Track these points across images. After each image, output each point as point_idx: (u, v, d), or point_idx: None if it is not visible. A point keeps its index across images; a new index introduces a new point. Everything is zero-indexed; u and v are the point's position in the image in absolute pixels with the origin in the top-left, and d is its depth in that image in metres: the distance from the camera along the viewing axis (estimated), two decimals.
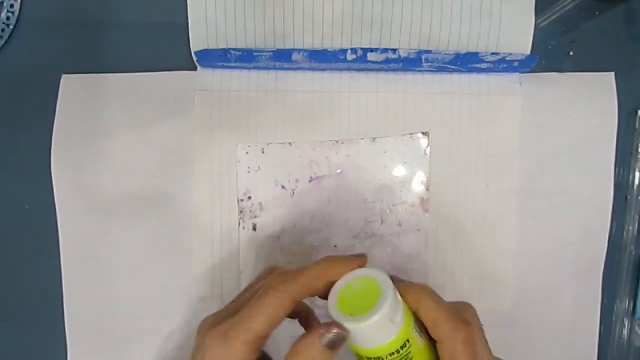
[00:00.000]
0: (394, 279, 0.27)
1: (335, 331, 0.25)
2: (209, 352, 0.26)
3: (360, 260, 0.28)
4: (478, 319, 0.28)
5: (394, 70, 0.38)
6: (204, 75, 0.38)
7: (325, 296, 0.27)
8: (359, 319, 0.26)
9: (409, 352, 0.27)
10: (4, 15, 0.38)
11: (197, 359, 0.26)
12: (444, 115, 0.38)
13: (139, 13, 0.39)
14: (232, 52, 0.36)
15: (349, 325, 0.26)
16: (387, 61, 0.36)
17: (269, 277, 0.28)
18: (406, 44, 0.38)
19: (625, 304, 0.39)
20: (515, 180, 0.38)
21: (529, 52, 0.38)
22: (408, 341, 0.27)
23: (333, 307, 0.27)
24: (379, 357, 0.27)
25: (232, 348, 0.25)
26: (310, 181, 0.38)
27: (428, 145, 0.38)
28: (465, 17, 0.38)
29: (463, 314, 0.27)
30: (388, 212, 0.38)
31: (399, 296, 0.27)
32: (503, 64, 0.37)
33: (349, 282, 0.28)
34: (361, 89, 0.38)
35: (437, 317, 0.26)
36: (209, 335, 0.26)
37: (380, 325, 0.26)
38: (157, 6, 0.39)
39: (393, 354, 0.27)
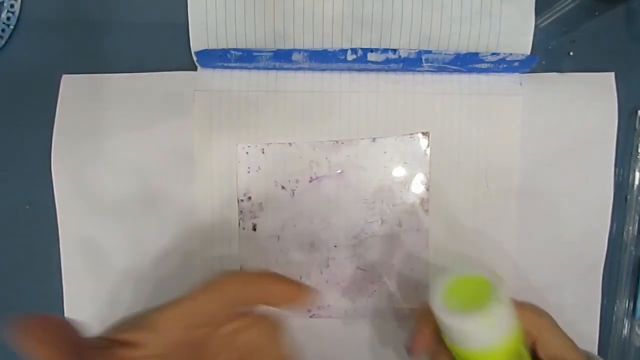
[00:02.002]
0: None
1: None
2: None
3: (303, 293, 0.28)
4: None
5: (394, 70, 0.38)
6: (204, 75, 0.38)
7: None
8: (476, 314, 0.24)
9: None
10: (4, 15, 0.38)
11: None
12: (444, 115, 0.38)
13: (139, 13, 0.39)
14: (232, 52, 0.36)
15: (464, 321, 0.24)
16: (387, 61, 0.36)
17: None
18: (406, 44, 0.38)
19: (625, 304, 0.39)
20: (515, 180, 0.38)
21: (529, 52, 0.38)
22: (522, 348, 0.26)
23: (439, 302, 0.25)
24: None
25: None
26: (310, 181, 0.38)
27: (428, 145, 0.38)
28: (465, 17, 0.38)
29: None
30: (388, 212, 0.38)
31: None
32: (503, 64, 0.37)
33: (451, 279, 0.26)
34: (361, 89, 0.38)
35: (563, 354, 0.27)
36: None
37: (497, 320, 0.24)
38: (157, 6, 0.39)
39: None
